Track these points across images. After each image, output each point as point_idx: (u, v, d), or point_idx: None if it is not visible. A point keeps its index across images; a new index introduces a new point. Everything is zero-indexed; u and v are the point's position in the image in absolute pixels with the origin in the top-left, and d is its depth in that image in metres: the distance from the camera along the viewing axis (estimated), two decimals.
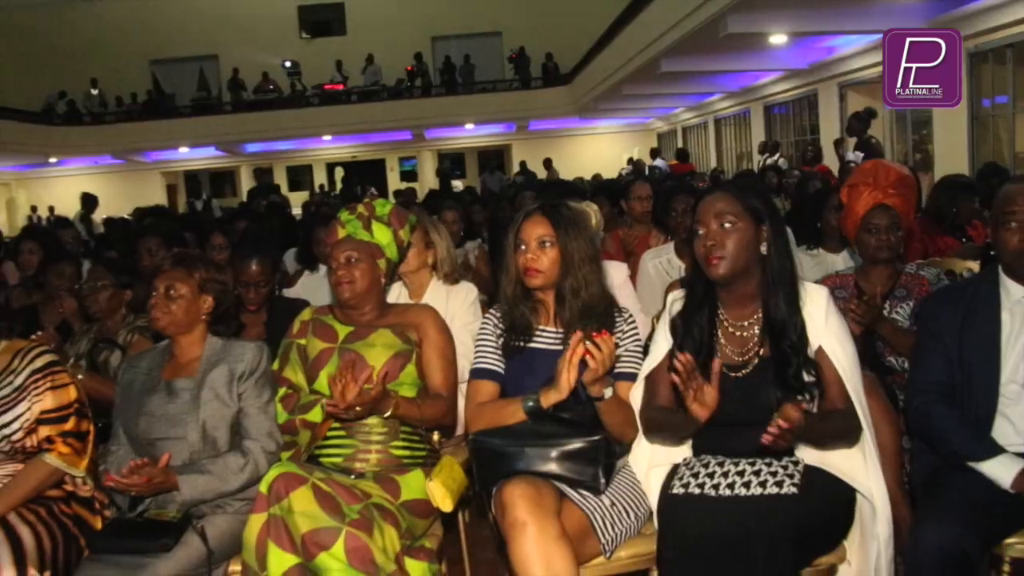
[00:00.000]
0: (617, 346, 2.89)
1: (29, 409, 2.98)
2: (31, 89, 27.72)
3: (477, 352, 3.04)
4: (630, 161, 23.03)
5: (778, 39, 13.84)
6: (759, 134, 20.68)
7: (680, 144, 27.48)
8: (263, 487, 2.70)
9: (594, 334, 2.56)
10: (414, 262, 3.86)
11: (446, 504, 2.89)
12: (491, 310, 3.13)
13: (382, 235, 3.23)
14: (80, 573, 2.77)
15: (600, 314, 2.93)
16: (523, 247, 2.94)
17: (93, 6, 28.67)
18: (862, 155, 10.11)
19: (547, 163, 22.59)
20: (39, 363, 3.04)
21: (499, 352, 3.00)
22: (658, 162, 21.20)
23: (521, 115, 26.87)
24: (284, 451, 3.06)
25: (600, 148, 28.20)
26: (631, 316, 3.05)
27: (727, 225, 2.62)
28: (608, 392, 2.68)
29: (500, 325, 3.03)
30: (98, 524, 3.06)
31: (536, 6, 28.41)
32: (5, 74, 28.74)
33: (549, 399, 2.67)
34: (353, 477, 2.91)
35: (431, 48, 29.26)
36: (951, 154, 12.65)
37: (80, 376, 3.54)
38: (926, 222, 5.60)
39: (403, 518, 2.81)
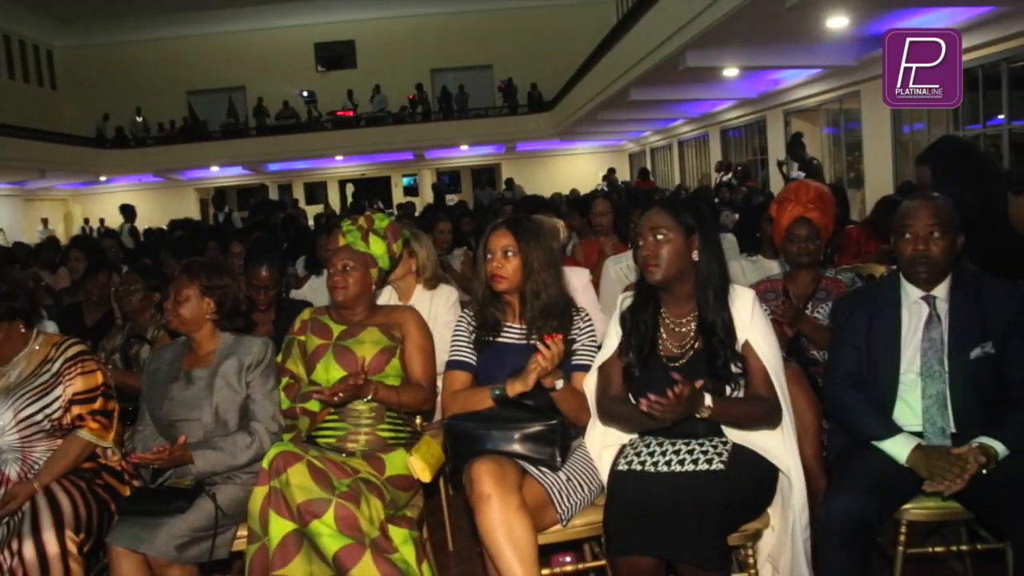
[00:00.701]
0: (574, 341, 2.93)
1: (64, 392, 3.03)
2: (86, 117, 27.68)
3: (452, 346, 3.05)
4: (605, 178, 23.09)
5: (731, 72, 13.88)
6: (717, 155, 20.75)
7: (649, 163, 27.54)
8: (265, 463, 2.72)
9: (546, 336, 2.59)
10: (400, 270, 3.87)
11: (425, 475, 2.93)
12: (465, 310, 3.15)
13: (377, 247, 3.25)
14: (112, 532, 2.82)
15: (559, 313, 2.95)
16: (490, 256, 2.96)
17: (138, 45, 28.58)
18: (804, 174, 10.17)
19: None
20: (71, 352, 3.09)
21: (471, 346, 3.01)
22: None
23: (509, 138, 26.84)
24: (286, 433, 3.07)
25: (579, 167, 28.19)
26: (587, 315, 3.06)
27: (660, 237, 2.65)
28: (559, 383, 2.70)
29: (472, 323, 3.04)
30: (126, 492, 3.09)
31: (522, 43, 28.40)
32: (64, 105, 28.74)
33: (515, 389, 2.68)
34: (344, 455, 2.93)
35: (430, 79, 29.19)
36: (878, 173, 12.73)
37: (111, 369, 3.58)
38: (865, 231, 5.66)
39: (387, 491, 2.83)
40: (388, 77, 27.94)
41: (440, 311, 3.88)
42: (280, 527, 2.64)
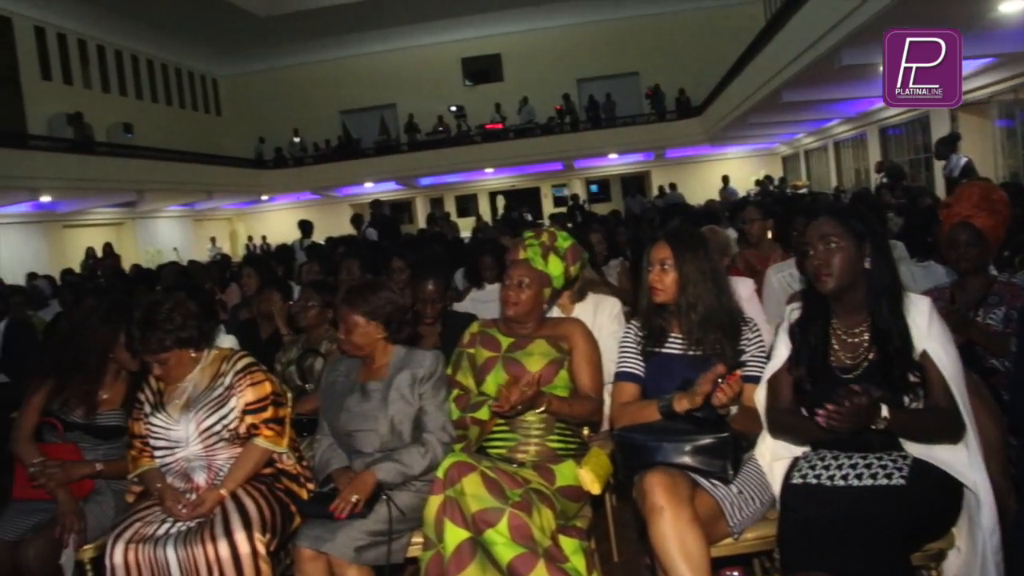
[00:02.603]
0: (743, 352, 2.91)
1: (237, 403, 3.20)
2: (248, 140, 29.33)
3: (620, 357, 3.07)
4: (757, 183, 22.60)
5: None
6: (875, 154, 19.93)
7: (803, 166, 26.78)
8: (440, 473, 2.81)
9: (728, 376, 2.58)
10: None
11: (594, 488, 2.94)
12: (632, 321, 3.16)
13: (555, 267, 3.31)
14: (297, 535, 3.00)
15: (720, 325, 2.92)
16: (650, 268, 2.98)
17: (294, 69, 29.99)
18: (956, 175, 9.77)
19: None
20: (239, 365, 3.26)
21: (639, 357, 3.02)
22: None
23: (658, 145, 26.62)
24: (456, 443, 3.15)
25: (730, 171, 27.50)
26: (755, 325, 3.03)
27: (832, 245, 2.60)
28: (733, 410, 2.71)
29: (639, 333, 3.06)
30: (304, 495, 3.25)
31: (669, 48, 28.16)
32: (228, 129, 30.50)
33: (682, 405, 2.69)
34: (515, 466, 2.99)
35: (577, 89, 29.29)
36: None
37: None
38: None
39: (557, 501, 2.88)
40: (535, 88, 28.25)
41: (605, 322, 3.88)
42: (455, 535, 2.73)
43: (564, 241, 3.37)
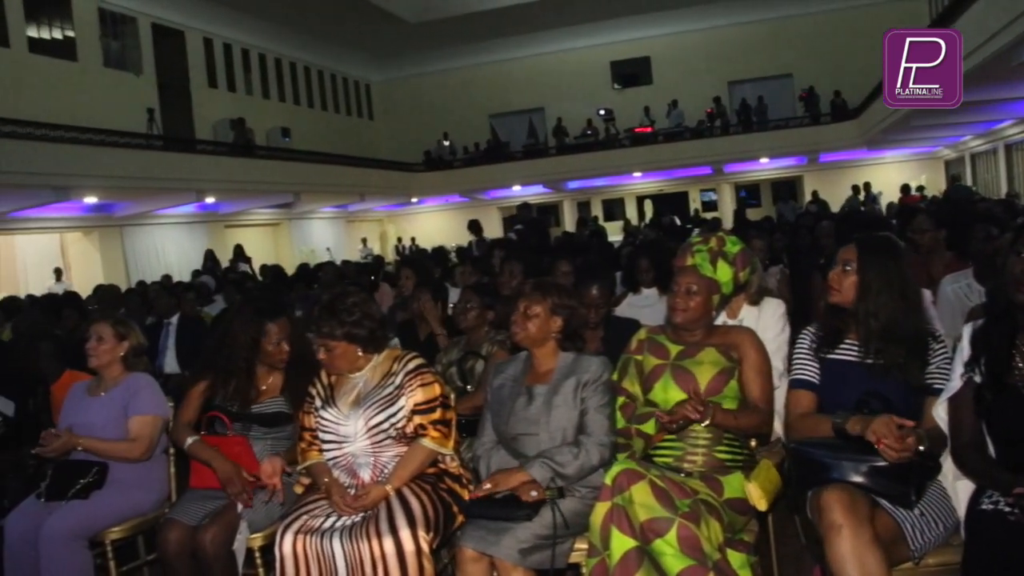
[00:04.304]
0: (927, 364, 2.79)
1: (406, 403, 3.27)
2: (399, 144, 30.21)
3: (795, 363, 3.00)
4: (919, 189, 21.61)
5: None
6: None
7: (968, 170, 25.42)
8: (608, 479, 2.80)
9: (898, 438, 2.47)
10: None
11: (762, 504, 2.88)
12: (809, 326, 3.07)
13: (723, 274, 3.21)
14: (462, 535, 3.04)
15: (902, 338, 2.80)
16: (835, 267, 2.91)
17: (445, 74, 30.69)
18: None
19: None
20: (411, 366, 3.34)
21: (815, 363, 2.95)
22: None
23: (811, 148, 25.78)
24: (620, 452, 3.12)
25: (887, 176, 26.50)
26: (941, 336, 2.91)
27: None
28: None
29: (815, 337, 2.98)
30: (465, 495, 3.29)
31: (824, 48, 27.28)
32: (380, 133, 31.54)
33: (855, 429, 2.59)
34: (682, 475, 2.95)
35: (728, 91, 28.76)
36: None
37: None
38: None
39: (725, 513, 2.83)
40: (684, 91, 27.93)
41: (768, 325, 3.78)
42: (621, 543, 2.71)
43: (733, 246, 3.29)
